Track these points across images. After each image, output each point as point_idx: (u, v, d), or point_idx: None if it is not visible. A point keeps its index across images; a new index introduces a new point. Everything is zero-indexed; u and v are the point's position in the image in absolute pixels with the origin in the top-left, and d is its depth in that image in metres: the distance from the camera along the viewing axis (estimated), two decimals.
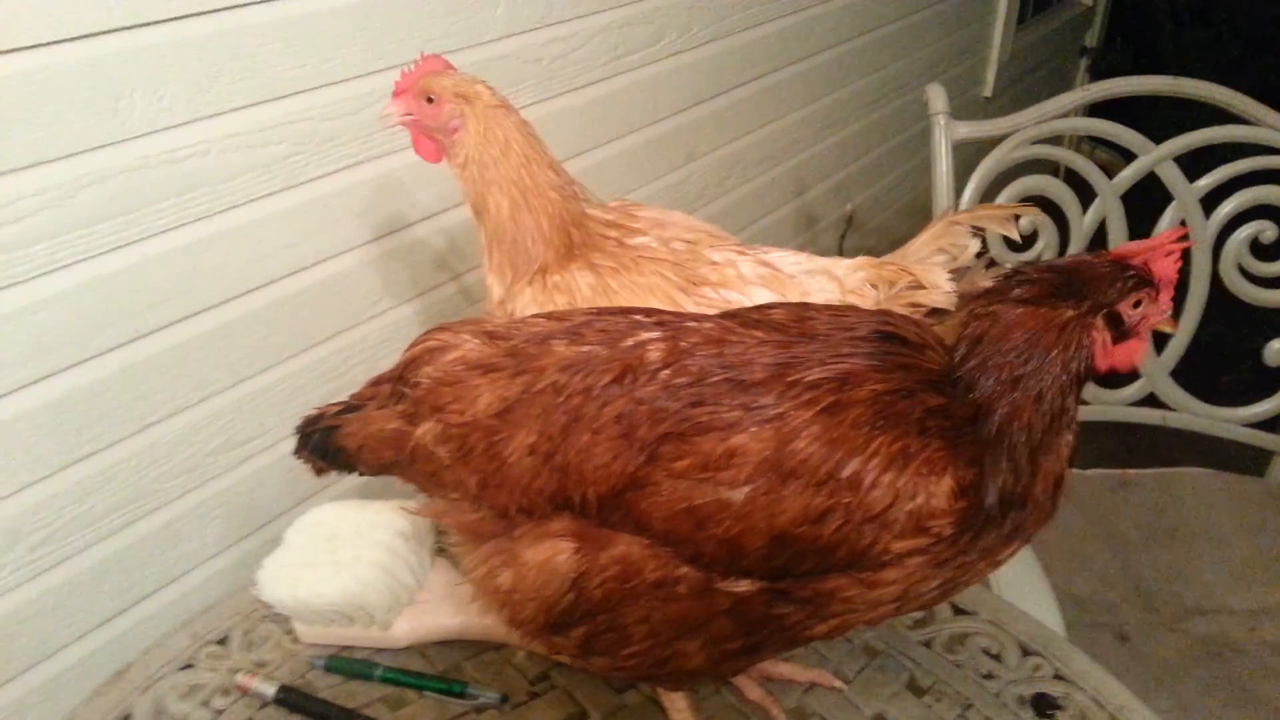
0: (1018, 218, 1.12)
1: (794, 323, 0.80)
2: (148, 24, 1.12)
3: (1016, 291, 0.76)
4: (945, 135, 1.77)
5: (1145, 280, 0.76)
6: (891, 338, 0.78)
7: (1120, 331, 0.76)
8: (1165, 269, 0.76)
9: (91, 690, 0.98)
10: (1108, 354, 0.76)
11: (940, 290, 1.06)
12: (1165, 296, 0.77)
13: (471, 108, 1.09)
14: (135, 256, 1.18)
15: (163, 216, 1.19)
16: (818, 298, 1.08)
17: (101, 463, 1.21)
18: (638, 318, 0.82)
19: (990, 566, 0.80)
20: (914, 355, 0.77)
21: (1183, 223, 1.75)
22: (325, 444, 0.90)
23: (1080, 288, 0.75)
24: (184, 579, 1.34)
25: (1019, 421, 0.74)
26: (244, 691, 0.99)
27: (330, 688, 1.01)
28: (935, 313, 1.07)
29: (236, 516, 1.39)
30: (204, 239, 1.24)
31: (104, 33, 1.09)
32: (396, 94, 1.13)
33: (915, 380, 0.75)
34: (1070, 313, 0.74)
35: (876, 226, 2.97)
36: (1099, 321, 0.75)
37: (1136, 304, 0.76)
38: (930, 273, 1.07)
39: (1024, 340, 0.74)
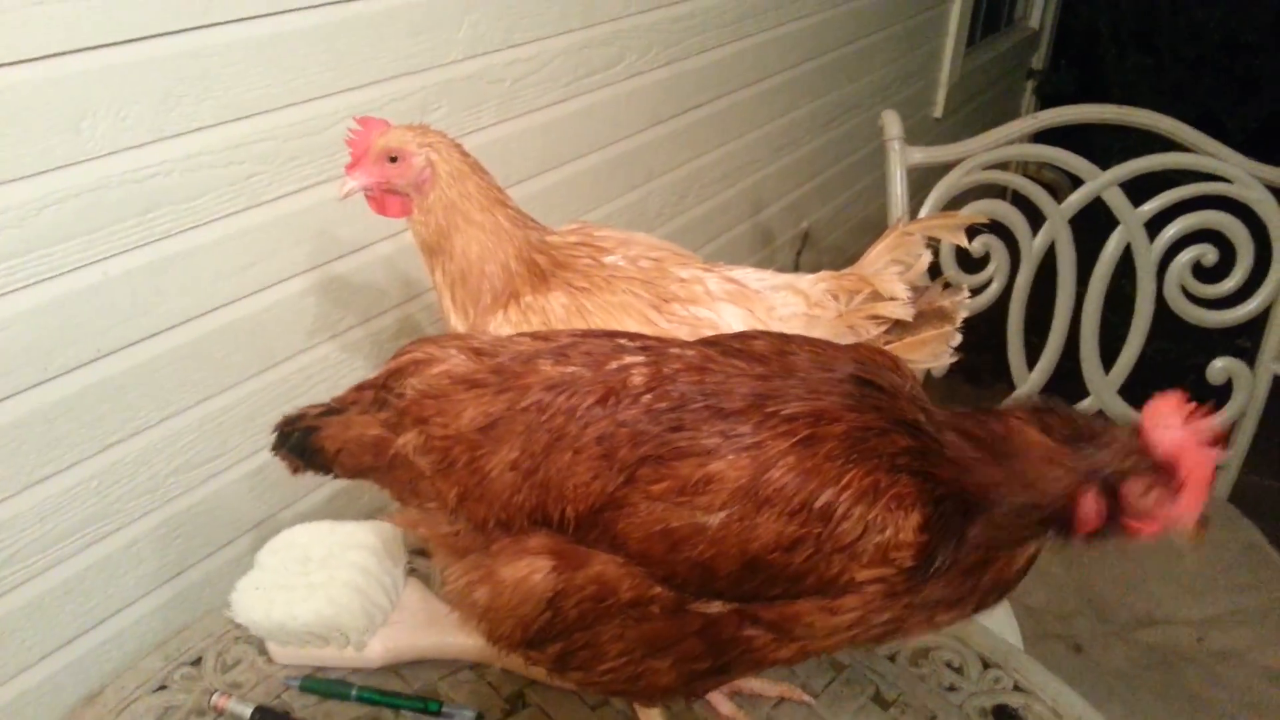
0: (970, 233, 1.15)
1: (775, 355, 0.82)
2: (111, 44, 1.12)
3: (1044, 419, 0.76)
4: (900, 160, 1.81)
5: (1160, 470, 0.72)
6: (868, 383, 0.80)
7: (1120, 508, 0.74)
8: (1197, 468, 0.72)
9: (64, 713, 0.97)
10: (1089, 522, 0.74)
11: (898, 301, 1.09)
12: (1190, 498, 0.72)
13: (439, 155, 1.08)
14: (97, 276, 1.16)
15: (125, 236, 1.18)
16: (784, 312, 1.10)
17: (62, 483, 1.19)
18: (622, 341, 0.84)
19: (928, 625, 0.82)
20: (887, 400, 0.80)
21: (1128, 246, 1.81)
22: (304, 444, 0.91)
23: (1088, 446, 0.74)
24: (147, 599, 1.32)
25: (977, 521, 0.76)
26: (219, 712, 0.98)
27: (305, 708, 1.01)
28: (897, 326, 1.10)
29: (199, 536, 1.37)
30: (166, 258, 1.23)
31: (66, 53, 1.08)
32: (353, 165, 1.10)
33: (888, 421, 0.78)
34: (1065, 461, 0.74)
35: (831, 244, 3.01)
36: (1093, 488, 0.74)
37: (1147, 489, 0.73)
38: (888, 284, 1.09)
39: (1019, 460, 0.75)
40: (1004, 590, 0.80)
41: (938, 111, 3.49)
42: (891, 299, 1.08)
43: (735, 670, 0.86)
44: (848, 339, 1.08)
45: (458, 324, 1.12)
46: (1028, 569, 0.80)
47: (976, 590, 0.79)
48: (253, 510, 1.45)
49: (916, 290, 1.10)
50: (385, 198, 1.11)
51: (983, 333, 1.93)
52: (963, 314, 1.08)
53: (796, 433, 0.75)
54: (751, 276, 1.14)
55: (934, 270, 1.19)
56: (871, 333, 1.08)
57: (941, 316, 1.08)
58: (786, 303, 1.11)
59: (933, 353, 1.08)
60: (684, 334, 1.06)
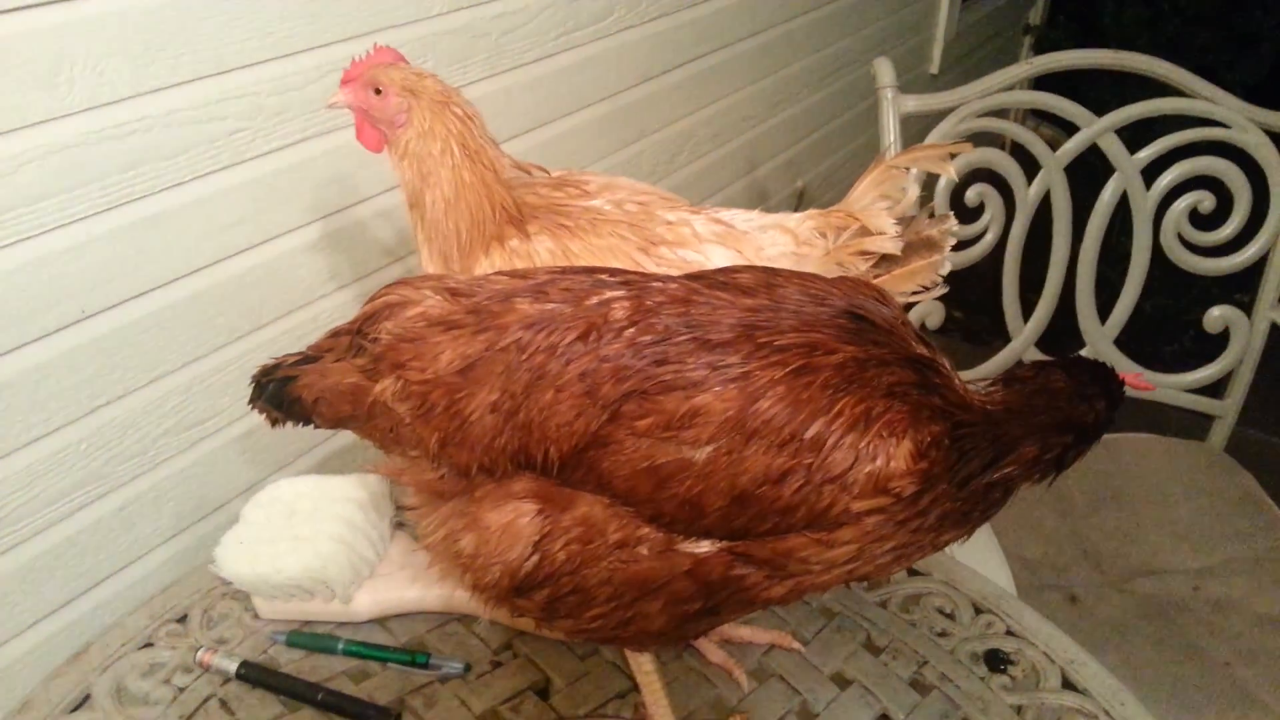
0: (954, 156, 1.15)
1: (762, 288, 0.80)
2: None
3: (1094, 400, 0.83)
4: (893, 108, 1.79)
5: None
6: (862, 318, 0.79)
7: None
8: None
9: (50, 671, 0.96)
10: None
11: (887, 235, 1.07)
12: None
13: (418, 102, 1.08)
14: (80, 235, 1.15)
15: (106, 194, 1.16)
16: (772, 251, 1.09)
17: (49, 446, 1.18)
18: (602, 276, 0.82)
19: (933, 548, 0.82)
20: (884, 334, 0.78)
21: (1124, 196, 1.79)
22: (281, 394, 0.89)
23: (1117, 392, 0.86)
24: (140, 562, 1.32)
25: (1023, 452, 0.78)
26: (205, 668, 0.98)
27: (292, 662, 1.01)
28: (885, 260, 1.08)
29: (191, 498, 1.37)
30: (149, 217, 1.21)
31: (41, 5, 1.06)
32: (345, 82, 1.11)
33: (890, 355, 0.77)
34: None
35: (827, 203, 2.96)
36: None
37: None
38: (876, 218, 1.08)
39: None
40: (999, 504, 0.81)
41: (934, 68, 3.45)
42: (880, 234, 1.07)
43: (727, 612, 0.85)
44: (836, 275, 1.06)
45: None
46: (1000, 505, 0.83)
47: (981, 503, 0.79)
48: (245, 473, 1.44)
49: (903, 221, 1.09)
50: (364, 124, 1.13)
51: (980, 290, 1.93)
52: (951, 241, 1.07)
53: (789, 363, 0.74)
54: (739, 217, 1.13)
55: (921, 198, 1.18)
56: (860, 268, 1.07)
57: (929, 246, 1.07)
58: (774, 242, 1.10)
59: (922, 282, 1.07)
60: None
